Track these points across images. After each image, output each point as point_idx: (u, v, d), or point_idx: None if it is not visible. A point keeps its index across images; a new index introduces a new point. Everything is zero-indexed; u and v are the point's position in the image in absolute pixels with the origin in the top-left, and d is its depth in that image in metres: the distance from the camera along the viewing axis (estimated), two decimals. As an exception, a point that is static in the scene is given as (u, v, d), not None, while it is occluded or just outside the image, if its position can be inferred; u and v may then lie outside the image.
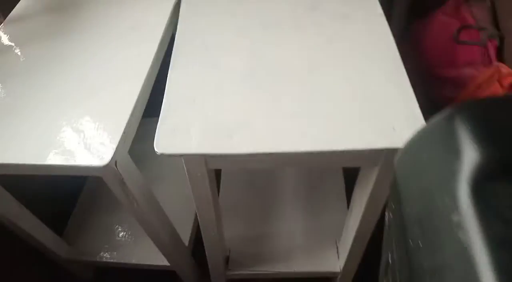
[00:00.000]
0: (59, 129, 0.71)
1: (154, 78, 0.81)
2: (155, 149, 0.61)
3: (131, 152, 0.73)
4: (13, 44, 0.91)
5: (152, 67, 0.79)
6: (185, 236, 1.10)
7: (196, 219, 1.11)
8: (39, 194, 0.97)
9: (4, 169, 0.69)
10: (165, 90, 0.69)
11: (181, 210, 1.05)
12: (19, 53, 0.89)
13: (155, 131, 0.65)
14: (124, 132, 0.69)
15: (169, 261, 1.05)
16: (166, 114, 0.66)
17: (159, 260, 1.04)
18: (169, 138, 0.62)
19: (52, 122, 0.72)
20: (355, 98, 0.65)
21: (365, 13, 0.79)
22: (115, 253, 1.10)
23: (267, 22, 0.82)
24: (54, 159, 0.66)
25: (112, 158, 0.66)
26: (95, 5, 0.98)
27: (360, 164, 0.69)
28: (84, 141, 0.68)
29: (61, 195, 0.92)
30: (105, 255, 1.10)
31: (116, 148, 0.67)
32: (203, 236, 0.86)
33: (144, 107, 0.77)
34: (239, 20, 0.84)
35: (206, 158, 0.62)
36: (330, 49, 0.73)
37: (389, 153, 0.60)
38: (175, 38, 0.80)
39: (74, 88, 0.78)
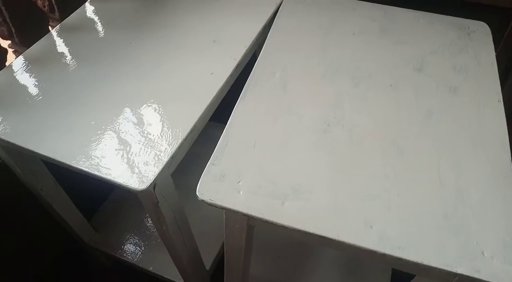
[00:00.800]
0: (105, 133, 0.66)
1: (219, 101, 0.74)
2: (197, 193, 0.54)
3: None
4: (93, 27, 0.89)
5: (221, 90, 0.72)
6: (209, 259, 1.03)
7: (223, 246, 1.04)
8: (77, 177, 0.95)
9: (40, 156, 0.65)
10: (226, 125, 0.61)
11: (211, 230, 0.98)
12: (96, 38, 0.85)
13: (217, 139, 0.59)
14: (172, 157, 0.63)
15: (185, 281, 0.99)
16: (219, 155, 0.58)
17: (175, 277, 0.99)
18: (214, 185, 0.55)
19: (100, 122, 0.67)
20: (443, 197, 0.53)
21: (479, 93, 0.65)
22: (134, 254, 1.06)
23: (358, 71, 0.70)
24: (88, 166, 0.61)
25: (151, 183, 0.60)
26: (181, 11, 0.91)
27: (426, 276, 0.57)
28: (127, 154, 0.63)
29: (98, 181, 0.90)
30: (124, 252, 1.06)
31: (159, 173, 0.61)
32: (225, 278, 0.78)
33: (202, 127, 0.70)
34: (328, 61, 0.73)
35: (249, 217, 0.54)
36: (428, 126, 0.61)
37: (468, 279, 0.48)
38: (254, 67, 0.71)
39: (135, 91, 0.73)
